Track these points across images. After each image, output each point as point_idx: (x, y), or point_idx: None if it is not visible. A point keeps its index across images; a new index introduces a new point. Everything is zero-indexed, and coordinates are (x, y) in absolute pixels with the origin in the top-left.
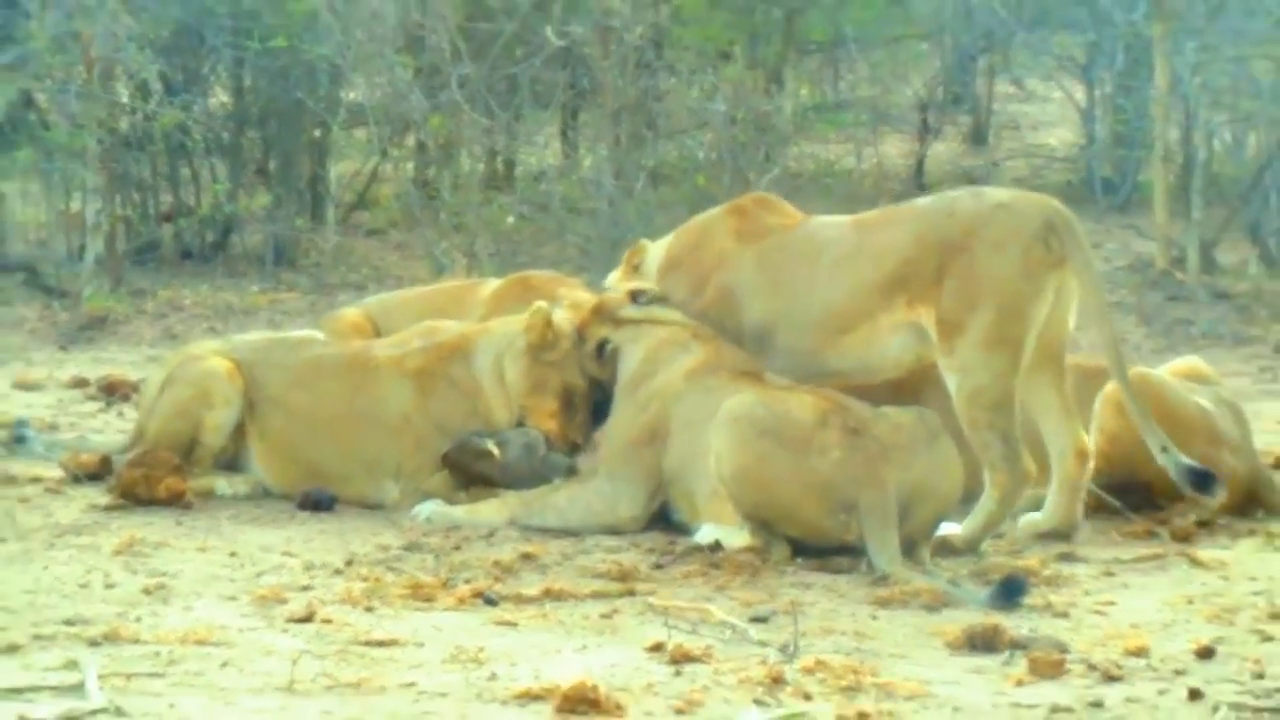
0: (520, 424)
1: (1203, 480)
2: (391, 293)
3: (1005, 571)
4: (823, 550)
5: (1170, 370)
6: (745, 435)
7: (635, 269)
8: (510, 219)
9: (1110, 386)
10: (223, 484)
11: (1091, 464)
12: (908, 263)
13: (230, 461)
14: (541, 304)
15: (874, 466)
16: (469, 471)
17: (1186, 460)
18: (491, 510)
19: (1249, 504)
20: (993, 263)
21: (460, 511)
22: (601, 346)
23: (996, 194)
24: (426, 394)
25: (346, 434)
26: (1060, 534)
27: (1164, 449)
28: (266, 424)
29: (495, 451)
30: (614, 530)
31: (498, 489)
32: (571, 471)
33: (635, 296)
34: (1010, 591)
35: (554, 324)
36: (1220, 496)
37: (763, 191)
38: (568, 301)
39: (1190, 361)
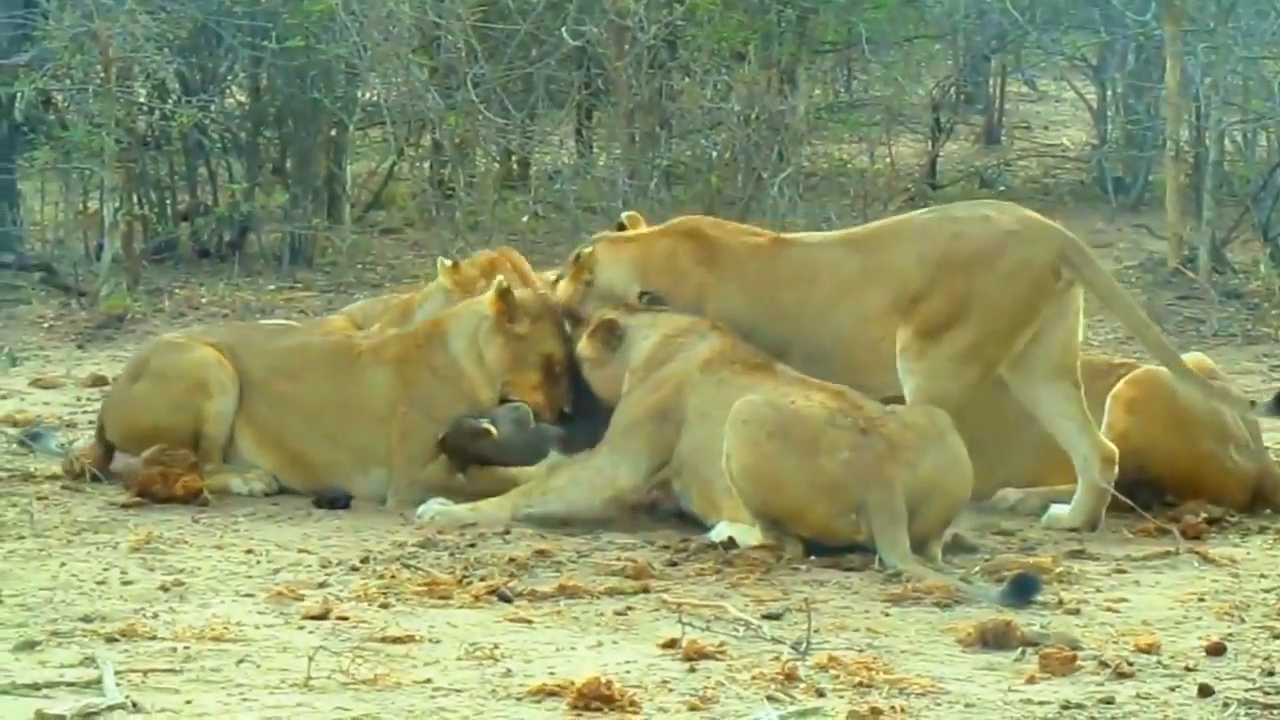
0: (504, 400)
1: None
2: (375, 298)
3: (1017, 569)
4: (835, 548)
5: None
6: (754, 436)
7: (588, 285)
8: (525, 218)
9: (1120, 385)
10: (238, 481)
11: (1116, 469)
12: (909, 283)
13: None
14: (501, 278)
15: (882, 466)
16: (467, 453)
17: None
18: (494, 506)
19: (1259, 502)
20: (997, 291)
21: (464, 510)
22: (612, 326)
23: (1003, 220)
24: (409, 381)
25: (333, 423)
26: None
27: (1252, 403)
28: (253, 412)
29: (493, 430)
30: (614, 503)
31: (495, 470)
32: (563, 440)
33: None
34: (1023, 590)
35: (515, 297)
36: None
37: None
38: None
39: (1198, 359)
